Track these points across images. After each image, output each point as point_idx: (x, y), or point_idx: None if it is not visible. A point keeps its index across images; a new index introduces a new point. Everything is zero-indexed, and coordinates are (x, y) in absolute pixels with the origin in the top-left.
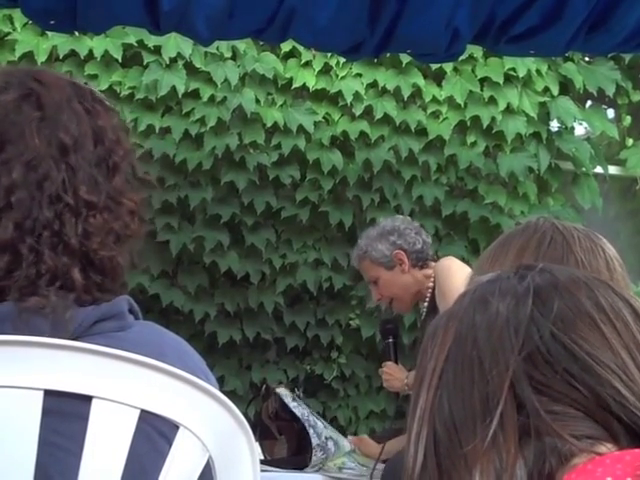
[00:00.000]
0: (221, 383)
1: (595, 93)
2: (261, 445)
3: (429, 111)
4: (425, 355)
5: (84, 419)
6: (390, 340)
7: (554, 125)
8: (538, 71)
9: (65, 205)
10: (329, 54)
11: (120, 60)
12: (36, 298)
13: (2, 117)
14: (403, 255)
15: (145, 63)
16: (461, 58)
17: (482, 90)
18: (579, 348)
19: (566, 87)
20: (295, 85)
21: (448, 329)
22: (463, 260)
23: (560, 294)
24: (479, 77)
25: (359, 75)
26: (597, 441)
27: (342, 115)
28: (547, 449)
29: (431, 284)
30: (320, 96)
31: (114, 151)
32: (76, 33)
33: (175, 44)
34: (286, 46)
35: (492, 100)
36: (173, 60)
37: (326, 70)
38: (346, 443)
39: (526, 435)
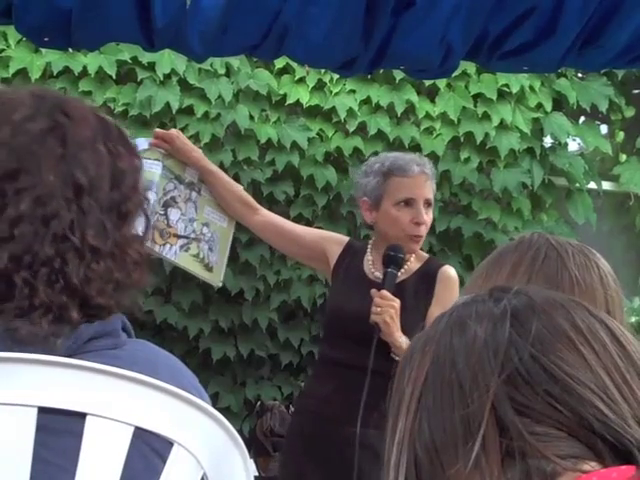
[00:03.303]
0: (215, 400)
1: (588, 109)
2: (255, 462)
3: (423, 127)
4: (402, 378)
5: (78, 436)
6: (391, 270)
7: (548, 141)
8: (531, 87)
9: (71, 245)
10: (323, 70)
11: (114, 76)
12: (28, 326)
13: (24, 146)
14: None
15: (139, 79)
16: (454, 74)
17: (475, 106)
18: (559, 369)
19: (559, 103)
20: (289, 101)
21: (425, 353)
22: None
23: (538, 316)
24: (472, 93)
25: (353, 91)
26: (581, 460)
27: (336, 131)
28: (531, 470)
29: (412, 265)
30: (314, 112)
31: (129, 198)
32: (70, 50)
33: (169, 60)
34: (280, 62)
35: (485, 116)
36: (167, 76)
37: (320, 86)
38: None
39: (509, 457)
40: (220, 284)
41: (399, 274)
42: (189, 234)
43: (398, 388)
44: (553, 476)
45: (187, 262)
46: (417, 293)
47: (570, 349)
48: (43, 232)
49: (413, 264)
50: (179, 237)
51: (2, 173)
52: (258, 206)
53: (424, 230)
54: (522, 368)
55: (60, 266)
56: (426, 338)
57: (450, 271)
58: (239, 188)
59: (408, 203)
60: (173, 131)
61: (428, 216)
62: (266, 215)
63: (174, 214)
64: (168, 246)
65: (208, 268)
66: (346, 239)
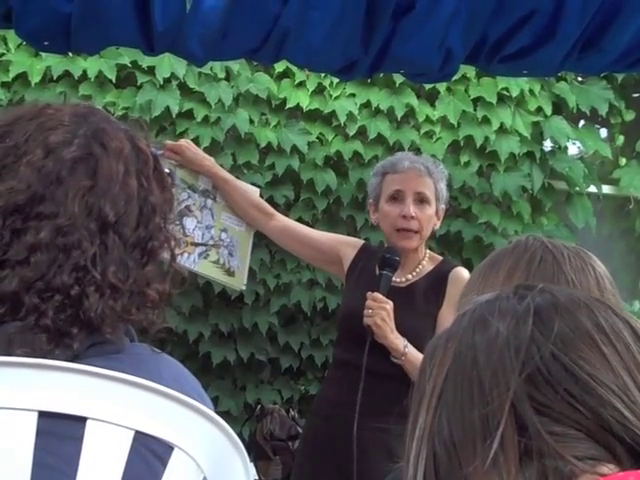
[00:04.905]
0: (215, 404)
1: (588, 112)
2: (255, 466)
3: (422, 131)
4: (423, 375)
5: (78, 440)
6: (386, 273)
7: (547, 145)
8: (531, 91)
9: (92, 279)
10: (322, 74)
11: (114, 81)
12: (26, 346)
13: (54, 172)
14: (441, 217)
15: (139, 83)
16: (454, 78)
17: (475, 110)
18: (580, 369)
19: (559, 107)
20: (289, 105)
21: (447, 349)
22: None
23: (560, 314)
24: (472, 97)
25: (352, 95)
26: (599, 462)
27: (336, 135)
28: (549, 470)
29: (424, 267)
30: (314, 116)
31: (155, 236)
32: (70, 54)
33: (169, 64)
34: (280, 66)
35: (485, 120)
36: (167, 80)
37: (320, 90)
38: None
39: (526, 456)
40: (244, 287)
41: (410, 277)
42: (207, 241)
43: (419, 385)
44: (570, 478)
45: (207, 269)
46: (428, 295)
47: (592, 348)
48: (62, 260)
49: (426, 266)
50: (197, 245)
51: (28, 196)
52: (274, 211)
53: (415, 225)
54: (543, 367)
55: (78, 296)
56: (448, 335)
57: (463, 272)
58: (255, 194)
59: (397, 197)
60: (183, 142)
61: (422, 212)
62: (282, 221)
63: (190, 223)
64: (186, 255)
65: (229, 273)
66: (361, 242)
